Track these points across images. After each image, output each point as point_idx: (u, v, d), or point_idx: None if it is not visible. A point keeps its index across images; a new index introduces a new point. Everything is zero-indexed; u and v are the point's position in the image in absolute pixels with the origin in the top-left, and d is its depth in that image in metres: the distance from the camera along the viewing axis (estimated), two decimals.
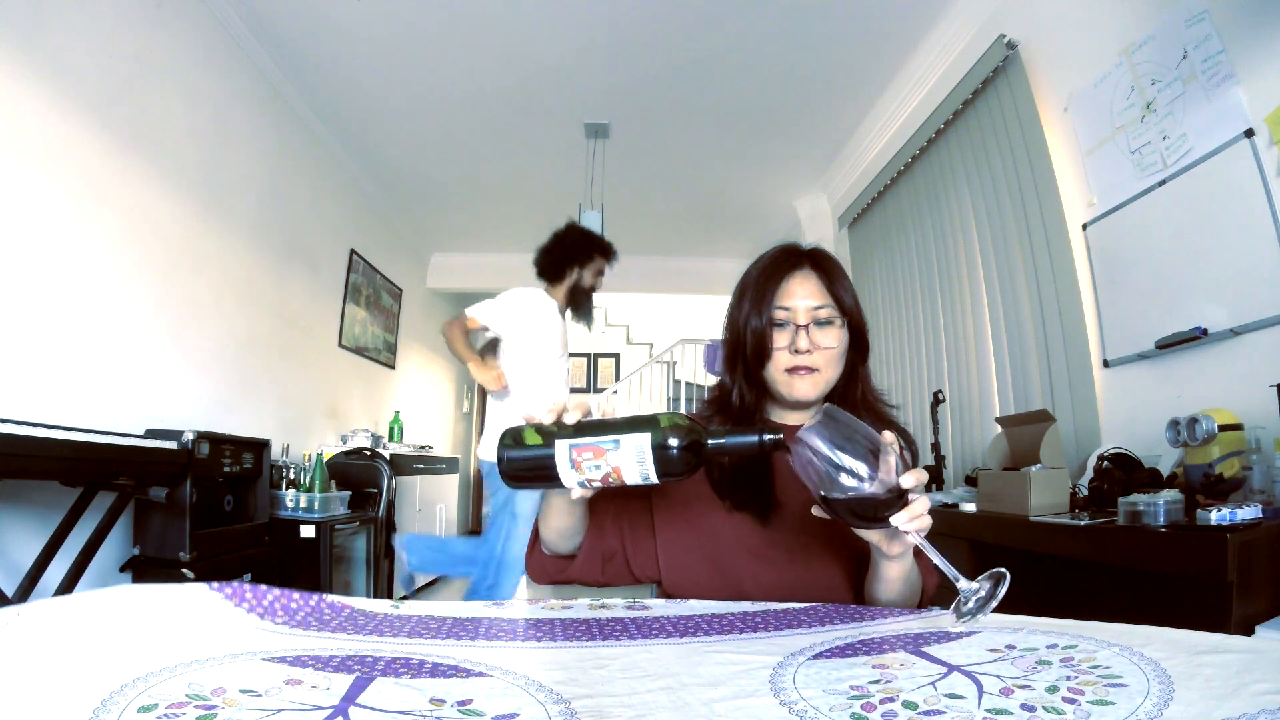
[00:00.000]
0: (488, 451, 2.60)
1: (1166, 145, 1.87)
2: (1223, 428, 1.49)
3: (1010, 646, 0.58)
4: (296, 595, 0.71)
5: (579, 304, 2.73)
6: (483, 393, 9.56)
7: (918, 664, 0.56)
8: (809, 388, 0.89)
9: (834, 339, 0.89)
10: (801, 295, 0.90)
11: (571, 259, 2.71)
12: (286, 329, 3.57)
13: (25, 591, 1.83)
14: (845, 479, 0.66)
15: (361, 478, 3.41)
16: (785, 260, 0.93)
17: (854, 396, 0.93)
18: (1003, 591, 0.64)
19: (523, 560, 2.21)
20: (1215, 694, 0.47)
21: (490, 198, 4.90)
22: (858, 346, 0.93)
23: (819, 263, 0.93)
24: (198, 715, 0.43)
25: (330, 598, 0.73)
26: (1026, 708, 0.45)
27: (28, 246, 2.01)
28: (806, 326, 0.89)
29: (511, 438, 0.71)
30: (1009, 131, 2.57)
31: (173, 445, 2.16)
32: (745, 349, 0.91)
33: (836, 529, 0.89)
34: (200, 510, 2.29)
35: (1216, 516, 1.23)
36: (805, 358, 0.88)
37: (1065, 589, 1.57)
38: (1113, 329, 2.10)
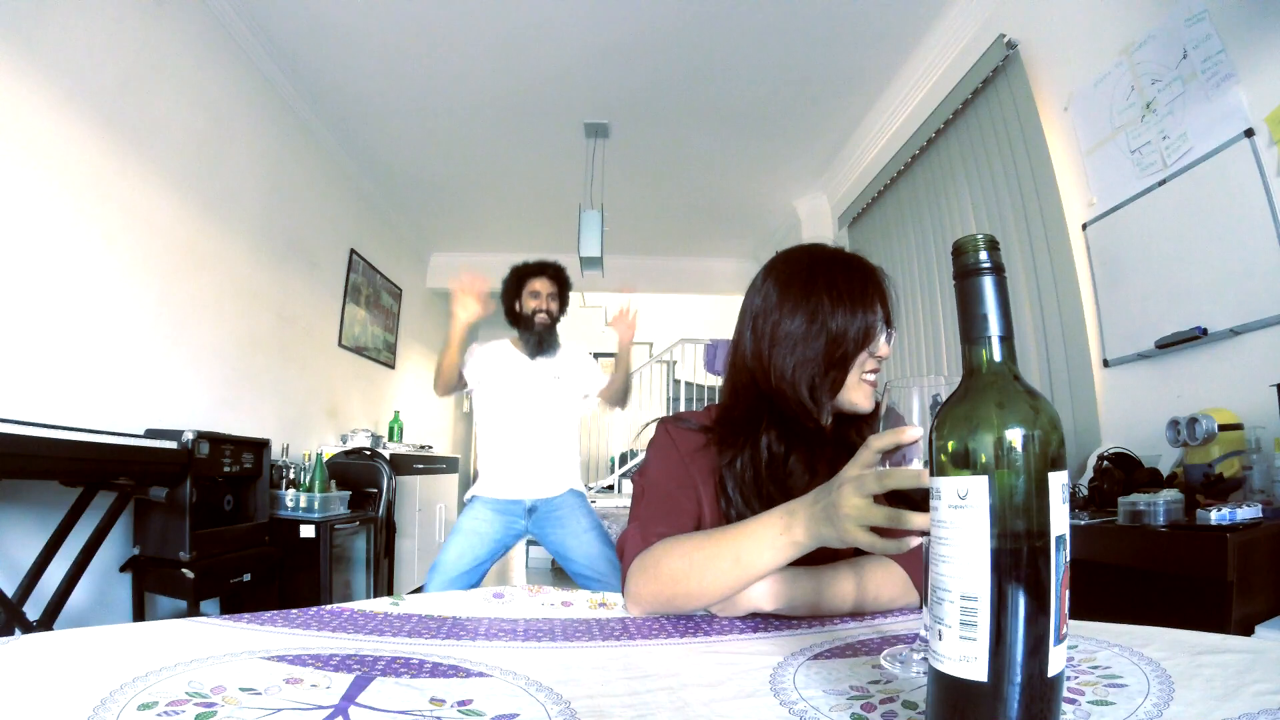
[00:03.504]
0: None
1: (1166, 145, 1.87)
2: (1223, 427, 1.49)
3: None
4: (294, 613, 0.72)
5: (524, 334, 2.47)
6: None
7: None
8: (873, 396, 0.90)
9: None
10: (878, 301, 0.90)
11: (509, 297, 2.52)
12: (286, 329, 3.57)
13: (25, 591, 1.83)
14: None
15: (361, 478, 3.40)
16: (864, 267, 0.91)
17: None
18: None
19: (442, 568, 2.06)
20: (1215, 694, 0.47)
21: (490, 198, 4.90)
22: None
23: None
24: (197, 713, 0.43)
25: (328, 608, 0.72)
26: None
27: (28, 246, 2.01)
28: (890, 332, 0.90)
29: None
30: (1009, 131, 2.57)
31: (173, 445, 2.16)
32: (848, 347, 0.86)
33: (843, 550, 0.87)
34: (200, 510, 2.29)
35: (1216, 516, 1.23)
36: (877, 365, 0.89)
37: None
38: (1113, 329, 2.10)
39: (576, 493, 2.42)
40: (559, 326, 2.55)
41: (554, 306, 2.49)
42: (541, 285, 2.48)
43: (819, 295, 0.89)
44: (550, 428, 2.42)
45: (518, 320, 2.50)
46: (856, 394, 0.89)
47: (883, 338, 0.89)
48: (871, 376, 0.91)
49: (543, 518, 2.36)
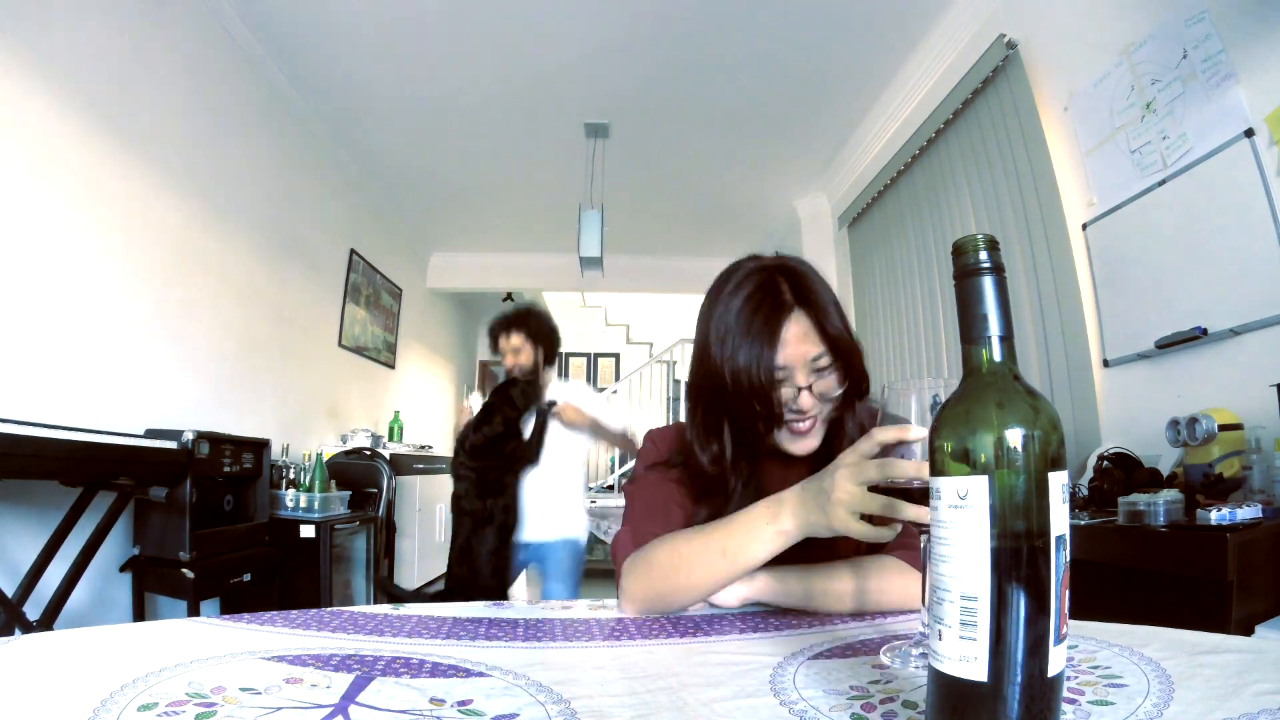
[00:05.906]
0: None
1: (1166, 145, 1.87)
2: (1223, 427, 1.49)
3: None
4: (294, 613, 0.72)
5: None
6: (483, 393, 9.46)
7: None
8: (810, 444, 0.81)
9: (834, 385, 0.79)
10: (796, 344, 0.76)
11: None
12: (286, 329, 3.57)
13: (26, 591, 1.83)
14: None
15: (361, 478, 3.40)
16: (769, 299, 0.77)
17: (846, 426, 0.83)
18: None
19: None
20: (1215, 694, 0.47)
21: (490, 198, 4.90)
22: (855, 380, 0.80)
23: (804, 296, 0.78)
24: (197, 713, 0.43)
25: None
26: None
27: (27, 246, 2.01)
28: (810, 386, 0.77)
29: None
30: (1009, 131, 2.57)
31: (173, 445, 2.16)
32: (742, 404, 0.77)
33: (844, 550, 0.86)
34: (200, 510, 2.29)
35: (1216, 516, 1.23)
36: (802, 417, 0.79)
37: None
38: (1113, 329, 2.10)
39: (569, 540, 2.41)
40: (554, 371, 2.49)
41: (523, 360, 2.41)
42: (504, 343, 2.44)
43: (705, 327, 0.81)
44: (549, 468, 2.40)
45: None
46: (786, 444, 0.80)
47: (799, 391, 0.76)
48: (804, 425, 0.78)
49: (541, 560, 2.41)
